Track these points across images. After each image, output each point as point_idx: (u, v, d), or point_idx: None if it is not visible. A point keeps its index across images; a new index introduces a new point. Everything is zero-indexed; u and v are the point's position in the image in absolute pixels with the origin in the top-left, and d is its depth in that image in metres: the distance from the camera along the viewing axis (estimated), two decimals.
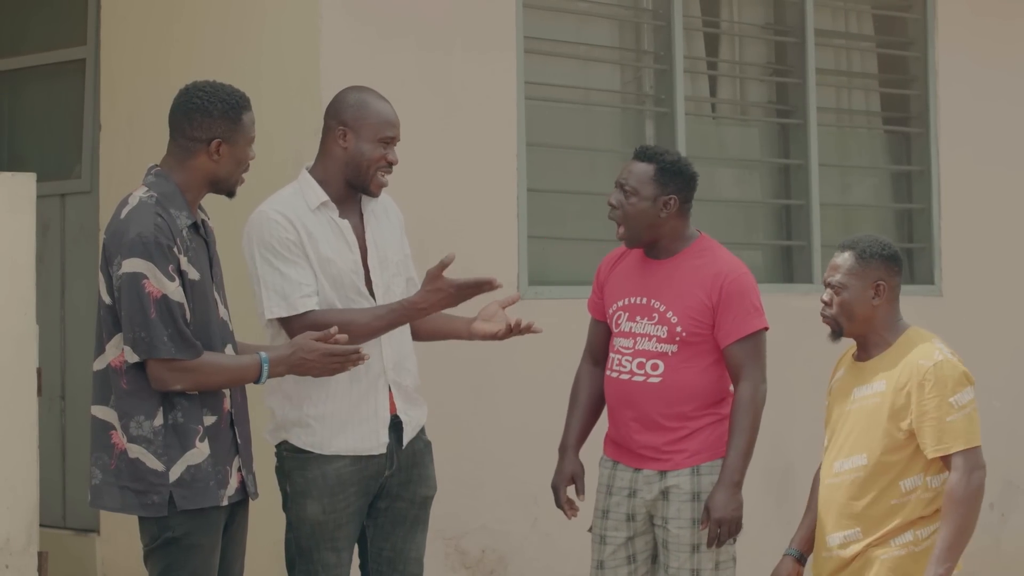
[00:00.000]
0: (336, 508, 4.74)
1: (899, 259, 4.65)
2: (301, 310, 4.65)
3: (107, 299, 4.27)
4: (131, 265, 4.19)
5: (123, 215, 4.27)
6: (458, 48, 6.17)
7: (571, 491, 5.12)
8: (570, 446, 5.13)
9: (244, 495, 4.43)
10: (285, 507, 4.78)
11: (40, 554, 5.27)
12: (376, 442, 4.78)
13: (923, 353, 4.51)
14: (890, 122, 7.99)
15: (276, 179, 4.96)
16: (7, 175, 5.34)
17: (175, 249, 4.23)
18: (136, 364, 4.22)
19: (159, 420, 4.23)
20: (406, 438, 4.86)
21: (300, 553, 4.78)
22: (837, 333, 4.64)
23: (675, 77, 6.96)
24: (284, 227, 4.69)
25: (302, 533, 4.76)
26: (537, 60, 6.57)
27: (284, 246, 4.67)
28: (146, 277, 4.18)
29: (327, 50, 5.75)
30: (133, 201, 4.28)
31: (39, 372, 5.31)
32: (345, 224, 4.79)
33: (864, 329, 4.60)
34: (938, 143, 7.82)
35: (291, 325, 4.65)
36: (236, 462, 4.38)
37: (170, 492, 4.23)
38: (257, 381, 4.36)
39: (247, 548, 4.52)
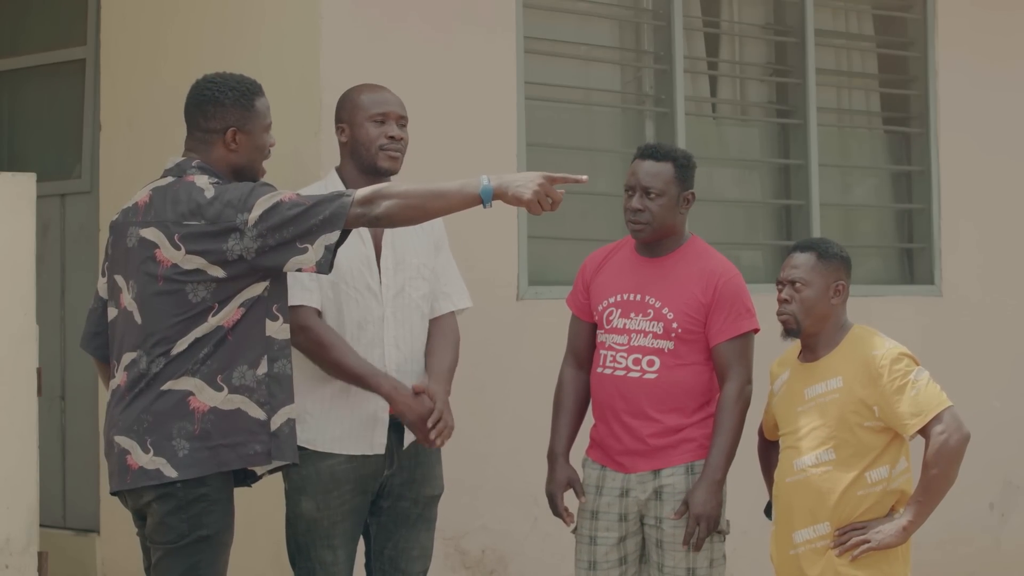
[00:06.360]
0: (330, 505, 4.75)
1: (851, 262, 4.81)
2: (295, 303, 4.64)
3: (219, 271, 4.19)
4: (261, 204, 4.20)
5: (213, 194, 4.23)
6: (458, 48, 6.16)
7: (568, 497, 5.13)
8: (560, 452, 5.13)
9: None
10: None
11: (40, 554, 5.27)
12: (369, 444, 4.79)
13: (873, 346, 4.68)
14: (890, 122, 7.98)
15: (276, 178, 4.94)
16: (7, 175, 5.34)
17: None
18: (244, 317, 4.21)
19: (262, 368, 4.24)
20: (407, 439, 4.86)
21: (298, 550, 4.80)
22: (794, 332, 4.73)
23: (675, 77, 6.95)
24: None
25: (298, 530, 4.78)
26: (537, 60, 6.56)
27: None
28: (278, 195, 4.22)
29: (327, 50, 5.74)
30: (203, 184, 4.26)
31: (39, 372, 5.32)
32: None
33: (818, 328, 4.72)
34: (938, 143, 7.81)
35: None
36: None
37: (270, 442, 4.23)
38: (483, 204, 4.24)
39: (247, 547, 4.51)
